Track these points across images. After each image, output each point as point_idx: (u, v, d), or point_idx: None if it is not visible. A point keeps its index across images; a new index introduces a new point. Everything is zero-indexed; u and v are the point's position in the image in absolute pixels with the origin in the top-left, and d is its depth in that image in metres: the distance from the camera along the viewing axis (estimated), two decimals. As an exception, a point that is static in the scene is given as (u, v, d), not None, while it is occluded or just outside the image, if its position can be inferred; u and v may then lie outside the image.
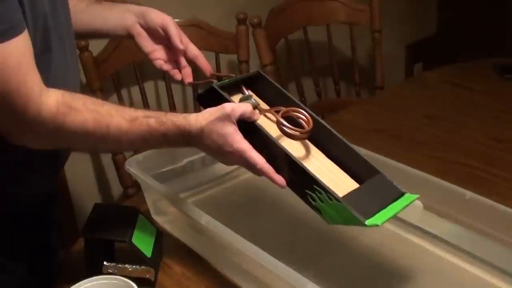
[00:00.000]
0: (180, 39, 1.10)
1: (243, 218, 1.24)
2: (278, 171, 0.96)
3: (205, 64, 1.13)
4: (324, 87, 2.54)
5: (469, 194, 1.10)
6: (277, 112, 1.02)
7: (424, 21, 3.10)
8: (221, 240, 1.01)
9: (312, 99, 2.36)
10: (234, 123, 0.96)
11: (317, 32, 2.29)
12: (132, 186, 1.85)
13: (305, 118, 1.01)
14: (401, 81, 2.63)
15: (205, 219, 1.03)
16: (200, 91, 1.07)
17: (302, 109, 1.03)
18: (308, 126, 1.00)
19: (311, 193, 0.94)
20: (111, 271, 1.01)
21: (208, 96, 1.03)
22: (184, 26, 1.63)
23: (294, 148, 1.01)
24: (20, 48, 0.82)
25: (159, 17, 1.10)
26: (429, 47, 3.08)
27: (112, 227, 1.07)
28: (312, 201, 0.95)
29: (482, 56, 2.22)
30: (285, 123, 0.99)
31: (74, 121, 0.87)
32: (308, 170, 0.95)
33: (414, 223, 1.19)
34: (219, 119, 0.95)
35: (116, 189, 2.09)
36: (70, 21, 1.03)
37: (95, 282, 0.89)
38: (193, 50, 1.13)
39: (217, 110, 0.96)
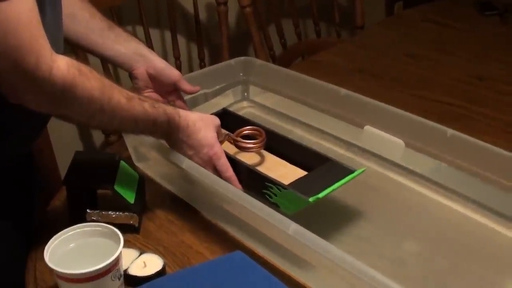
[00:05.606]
0: (191, 87, 1.23)
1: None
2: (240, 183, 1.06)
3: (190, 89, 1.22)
4: (304, 27, 2.51)
5: (450, 131, 1.10)
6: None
7: (404, -42, 3.06)
8: (203, 184, 1.01)
9: (292, 41, 2.32)
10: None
11: (296, -29, 2.25)
12: (113, 133, 1.84)
13: (257, 133, 1.15)
14: (382, 20, 2.60)
15: (187, 164, 1.02)
16: None
17: (255, 125, 1.18)
18: (261, 137, 1.13)
19: (266, 191, 1.02)
20: (94, 218, 1.01)
21: None
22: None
23: (249, 159, 1.13)
24: (29, 4, 0.80)
25: (173, 74, 1.20)
26: (410, -16, 3.05)
27: (94, 175, 1.06)
28: (269, 198, 1.02)
29: (463, -7, 2.20)
30: (239, 139, 1.13)
31: (81, 85, 0.86)
32: (256, 169, 1.08)
33: (396, 161, 1.20)
34: (210, 123, 1.05)
35: (98, 136, 2.07)
36: None
37: (78, 230, 0.89)
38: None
39: (209, 115, 1.08)
